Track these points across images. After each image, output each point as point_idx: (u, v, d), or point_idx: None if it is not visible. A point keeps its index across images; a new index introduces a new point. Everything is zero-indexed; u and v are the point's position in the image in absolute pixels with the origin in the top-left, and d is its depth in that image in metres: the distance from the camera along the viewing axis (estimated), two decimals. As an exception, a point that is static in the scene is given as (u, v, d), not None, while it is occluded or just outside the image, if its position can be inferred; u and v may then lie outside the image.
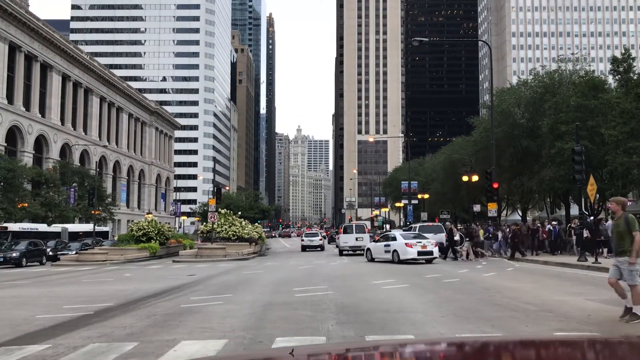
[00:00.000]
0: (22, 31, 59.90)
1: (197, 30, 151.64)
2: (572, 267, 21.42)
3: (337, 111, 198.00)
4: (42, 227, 44.06)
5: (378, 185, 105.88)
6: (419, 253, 26.39)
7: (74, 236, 45.19)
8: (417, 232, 30.83)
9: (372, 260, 28.91)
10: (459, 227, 33.50)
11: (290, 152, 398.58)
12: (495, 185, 32.31)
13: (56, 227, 45.61)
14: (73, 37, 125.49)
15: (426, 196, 58.77)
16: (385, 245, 28.32)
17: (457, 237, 29.27)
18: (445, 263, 26.68)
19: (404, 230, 35.62)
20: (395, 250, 27.22)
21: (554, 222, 31.36)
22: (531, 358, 2.37)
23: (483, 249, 30.53)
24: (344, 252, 37.58)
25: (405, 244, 26.76)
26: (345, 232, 38.99)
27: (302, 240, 50.36)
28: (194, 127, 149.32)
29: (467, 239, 29.14)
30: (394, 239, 28.25)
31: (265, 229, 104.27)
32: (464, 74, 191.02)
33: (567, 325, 8.76)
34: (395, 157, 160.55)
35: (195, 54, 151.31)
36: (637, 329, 8.47)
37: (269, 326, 9.25)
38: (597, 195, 30.89)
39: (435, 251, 27.16)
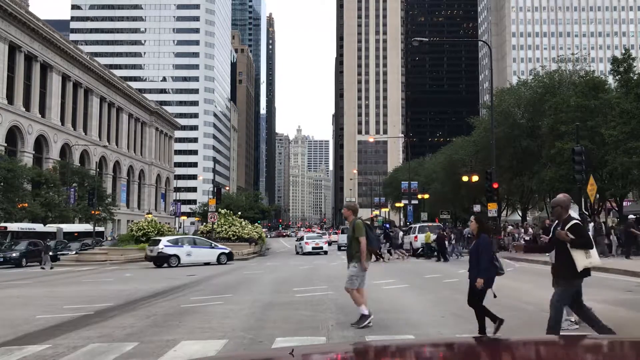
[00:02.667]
0: (22, 31, 59.86)
1: (197, 31, 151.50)
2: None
3: (337, 111, 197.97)
4: (39, 227, 44.09)
5: (378, 186, 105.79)
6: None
7: (69, 236, 45.17)
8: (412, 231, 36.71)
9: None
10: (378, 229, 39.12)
11: (291, 152, 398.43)
12: (495, 186, 32.32)
13: (51, 227, 45.60)
14: (73, 37, 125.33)
15: (426, 196, 58.70)
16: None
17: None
18: (436, 264, 26.80)
19: (403, 231, 38.31)
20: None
21: None
22: (531, 358, 2.37)
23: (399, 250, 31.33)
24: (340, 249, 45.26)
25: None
26: (343, 233, 45.90)
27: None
28: (194, 127, 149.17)
29: (385, 241, 29.49)
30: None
31: (265, 229, 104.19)
32: (464, 74, 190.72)
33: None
34: (395, 157, 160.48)
35: (195, 54, 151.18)
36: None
37: (269, 326, 9.26)
38: (597, 195, 30.87)
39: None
